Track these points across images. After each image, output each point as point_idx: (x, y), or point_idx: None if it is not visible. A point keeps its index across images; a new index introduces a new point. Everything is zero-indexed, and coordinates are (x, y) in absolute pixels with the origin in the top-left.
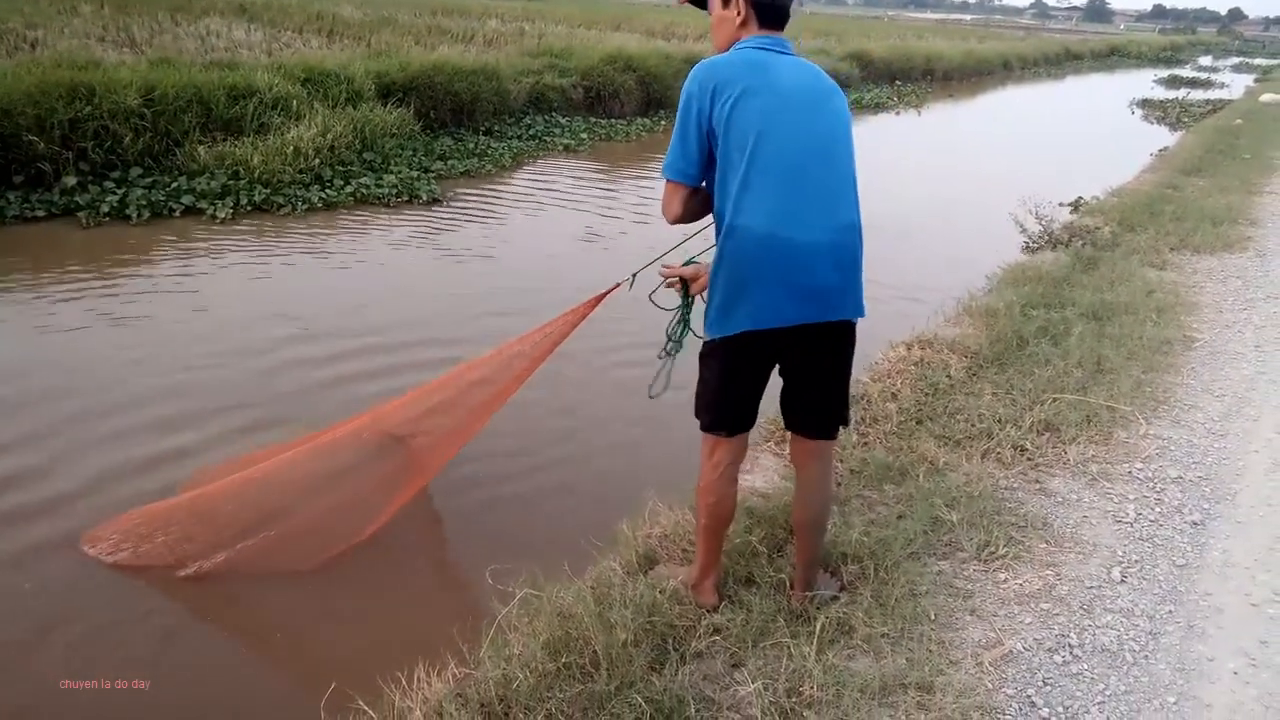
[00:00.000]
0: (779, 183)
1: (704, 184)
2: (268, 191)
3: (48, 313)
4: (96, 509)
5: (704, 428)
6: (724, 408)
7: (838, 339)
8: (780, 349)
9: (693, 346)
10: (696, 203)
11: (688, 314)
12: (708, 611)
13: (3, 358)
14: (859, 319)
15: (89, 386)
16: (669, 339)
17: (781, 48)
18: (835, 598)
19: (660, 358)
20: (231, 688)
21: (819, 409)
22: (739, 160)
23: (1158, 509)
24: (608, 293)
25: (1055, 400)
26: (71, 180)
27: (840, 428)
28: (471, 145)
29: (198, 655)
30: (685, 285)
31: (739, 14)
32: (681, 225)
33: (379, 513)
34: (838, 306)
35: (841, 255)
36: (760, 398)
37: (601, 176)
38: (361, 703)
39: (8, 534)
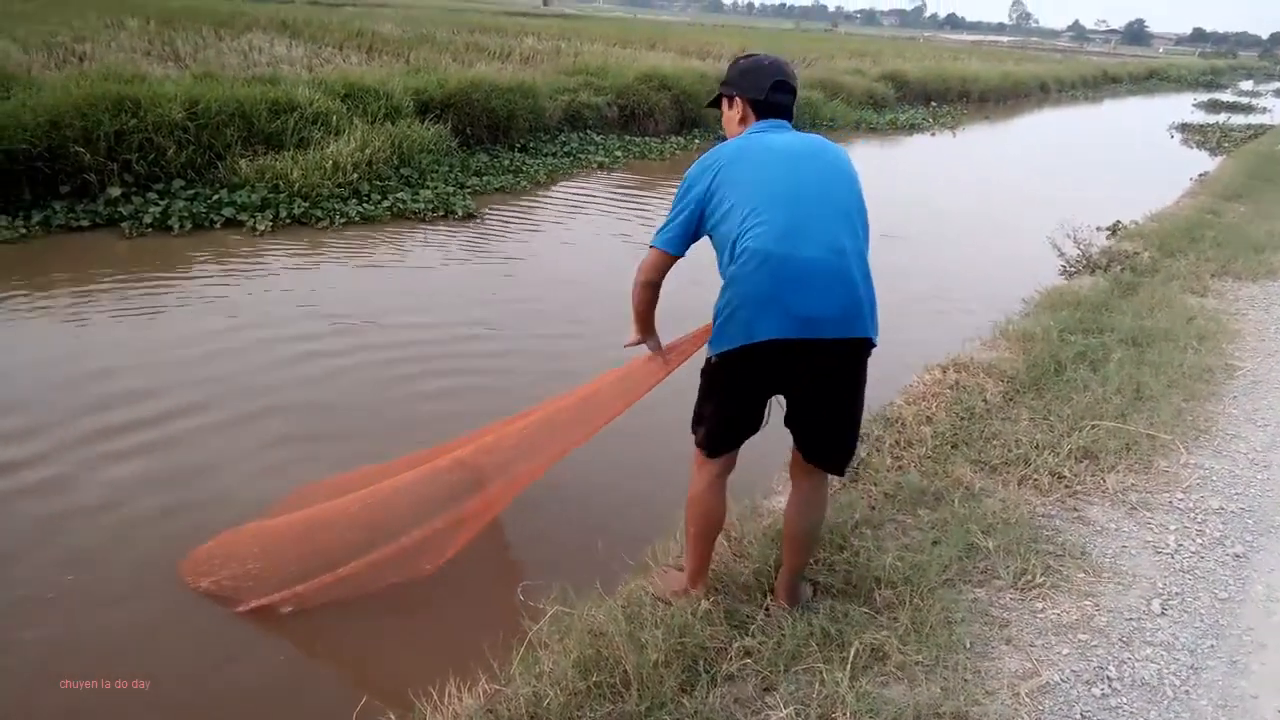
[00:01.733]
0: (783, 208)
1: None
2: (306, 205)
3: (111, 314)
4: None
5: (696, 441)
6: (711, 423)
7: (837, 361)
8: (777, 371)
9: None
10: (666, 271)
11: None
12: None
13: (61, 358)
14: (871, 348)
15: (166, 389)
16: None
17: (779, 128)
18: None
19: None
20: (266, 701)
21: (814, 434)
22: (744, 198)
23: (1199, 540)
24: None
25: (1094, 427)
26: (116, 191)
27: (838, 467)
28: (507, 162)
29: (233, 668)
30: None
31: (739, 113)
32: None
33: (447, 549)
34: (833, 325)
35: (838, 275)
36: (751, 424)
37: (636, 193)
38: (393, 716)
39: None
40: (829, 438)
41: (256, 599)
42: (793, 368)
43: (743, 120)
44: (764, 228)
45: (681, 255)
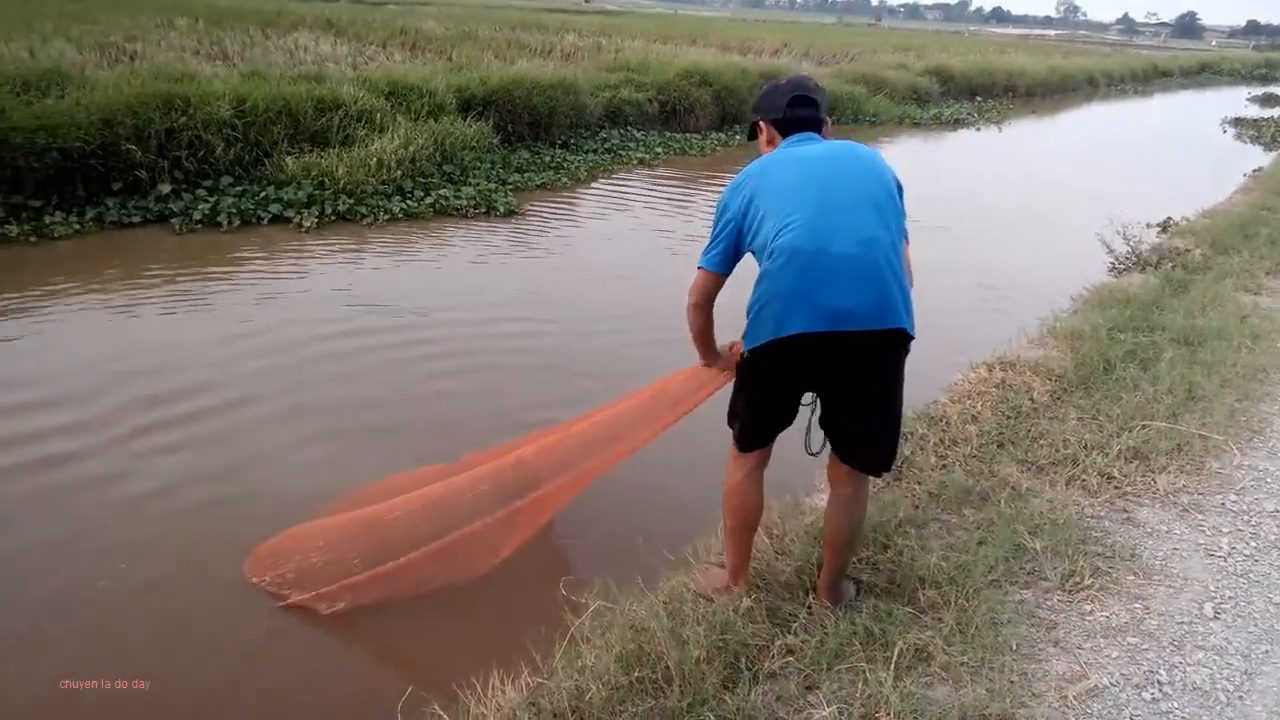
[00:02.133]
0: (813, 208)
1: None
2: (351, 201)
3: (162, 308)
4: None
5: (729, 423)
6: (744, 417)
7: (870, 353)
8: (807, 366)
9: None
10: (716, 292)
11: None
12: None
13: (120, 351)
14: (907, 340)
15: (216, 383)
16: None
17: (806, 141)
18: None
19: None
20: (312, 690)
21: (849, 432)
22: (776, 206)
23: (1253, 543)
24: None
25: (1144, 427)
26: (166, 188)
27: (876, 468)
28: (548, 158)
29: (283, 658)
30: None
31: (767, 135)
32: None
33: (503, 548)
34: (864, 318)
35: (868, 268)
36: (784, 419)
37: (677, 189)
38: (437, 707)
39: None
40: (865, 436)
41: (315, 591)
42: (823, 362)
43: (770, 142)
44: (795, 229)
45: (728, 274)
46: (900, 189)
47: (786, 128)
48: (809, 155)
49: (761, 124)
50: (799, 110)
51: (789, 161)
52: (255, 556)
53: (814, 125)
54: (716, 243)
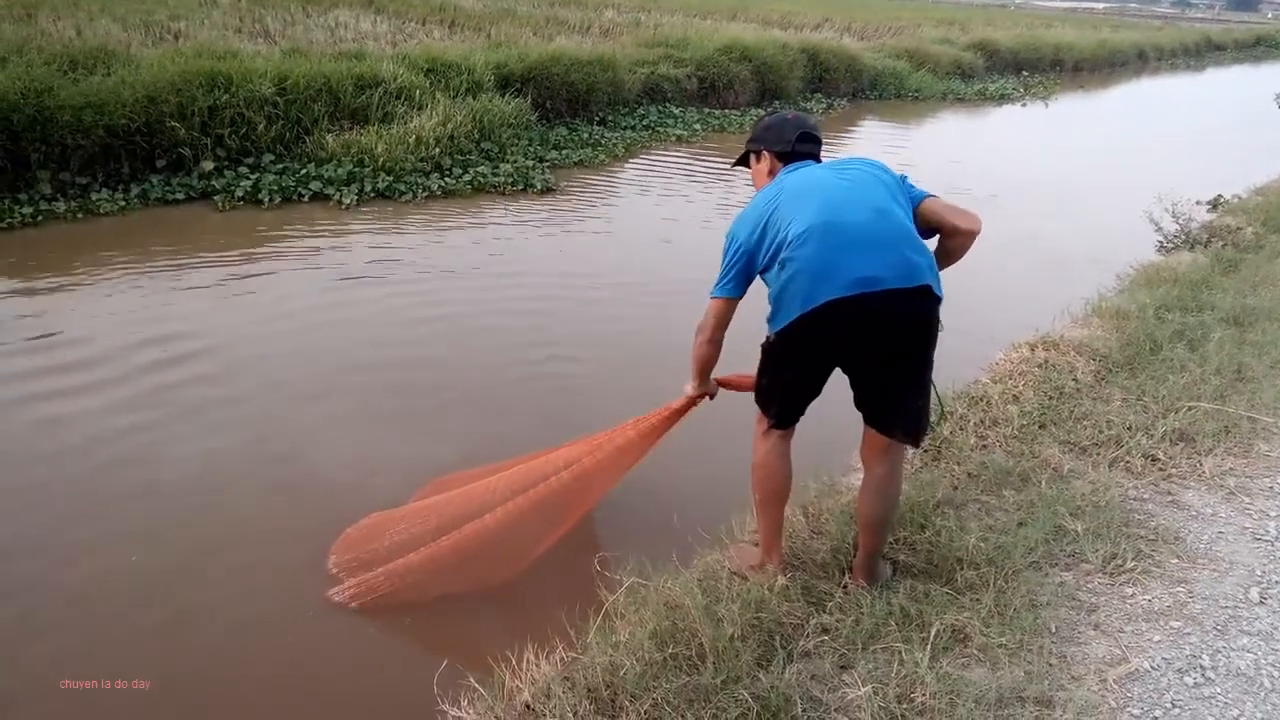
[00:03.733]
0: (822, 196)
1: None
2: (390, 179)
3: (208, 285)
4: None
5: (757, 402)
6: (771, 393)
7: (902, 311)
8: (839, 334)
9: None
10: (729, 320)
11: None
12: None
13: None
14: (936, 301)
15: (260, 362)
16: None
17: (807, 164)
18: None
19: None
20: (349, 663)
21: (883, 395)
22: (787, 212)
23: None
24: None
25: (1191, 408)
26: (209, 165)
27: (913, 436)
28: (585, 135)
29: (312, 635)
30: None
31: (768, 165)
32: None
33: (537, 550)
34: (892, 279)
35: (887, 232)
36: (810, 394)
37: (715, 166)
38: (472, 680)
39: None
40: (902, 401)
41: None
42: (855, 328)
43: (770, 172)
44: (810, 213)
45: (741, 296)
46: (904, 178)
47: (789, 159)
48: (814, 167)
49: (765, 154)
50: (806, 146)
51: (796, 176)
52: (345, 539)
53: (815, 160)
54: (728, 271)
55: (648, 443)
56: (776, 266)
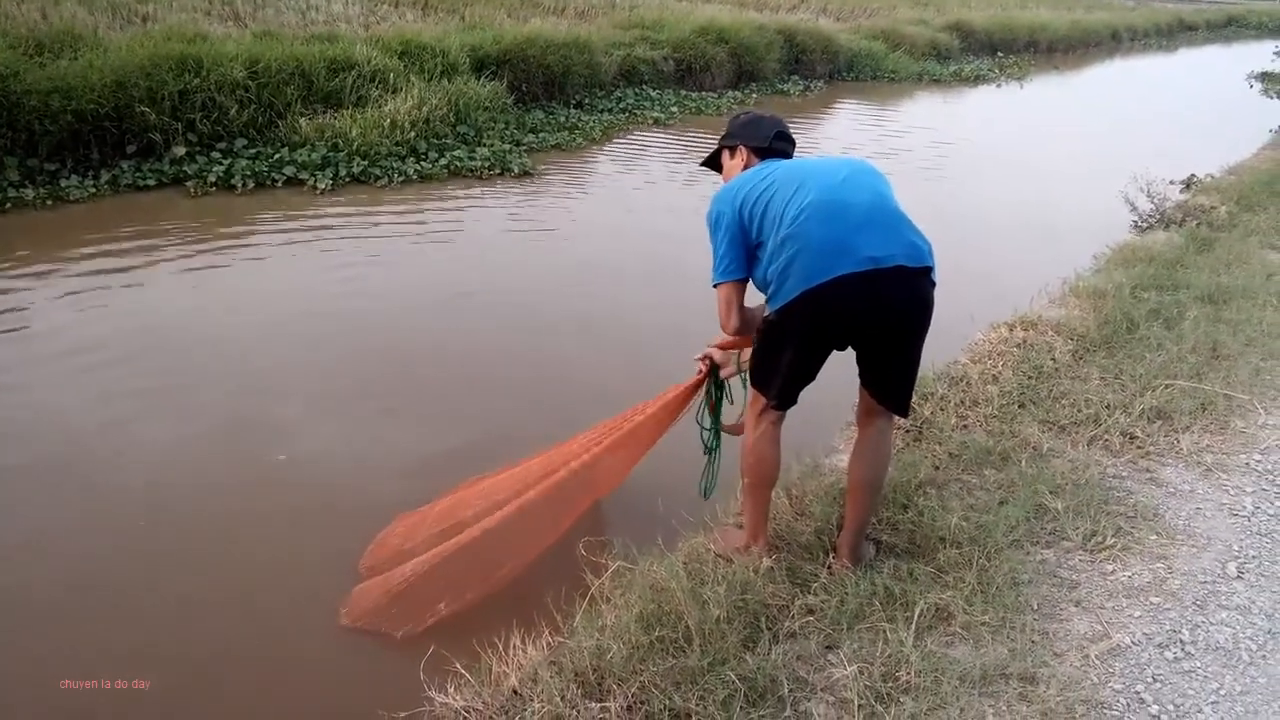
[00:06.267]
0: (821, 177)
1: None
2: (365, 163)
3: (178, 272)
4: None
5: (754, 383)
6: (784, 376)
7: (905, 289)
8: (842, 312)
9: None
10: (743, 299)
11: (719, 399)
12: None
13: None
14: (932, 283)
15: (238, 352)
16: (702, 429)
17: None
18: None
19: (705, 455)
20: (332, 648)
21: (888, 373)
22: (783, 184)
23: (1278, 503)
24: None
25: (1168, 386)
26: (181, 150)
27: (903, 407)
28: (562, 118)
29: (310, 626)
30: (715, 369)
31: (743, 160)
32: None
33: (552, 537)
34: (899, 256)
35: (890, 214)
36: (809, 376)
37: (692, 149)
38: (459, 666)
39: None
40: (903, 375)
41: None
42: (864, 301)
43: (746, 166)
44: (811, 189)
45: (747, 276)
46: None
47: (765, 156)
48: (802, 158)
49: (741, 149)
50: (781, 144)
51: (786, 163)
52: (377, 544)
53: (788, 158)
54: (722, 253)
55: (663, 425)
56: (775, 244)
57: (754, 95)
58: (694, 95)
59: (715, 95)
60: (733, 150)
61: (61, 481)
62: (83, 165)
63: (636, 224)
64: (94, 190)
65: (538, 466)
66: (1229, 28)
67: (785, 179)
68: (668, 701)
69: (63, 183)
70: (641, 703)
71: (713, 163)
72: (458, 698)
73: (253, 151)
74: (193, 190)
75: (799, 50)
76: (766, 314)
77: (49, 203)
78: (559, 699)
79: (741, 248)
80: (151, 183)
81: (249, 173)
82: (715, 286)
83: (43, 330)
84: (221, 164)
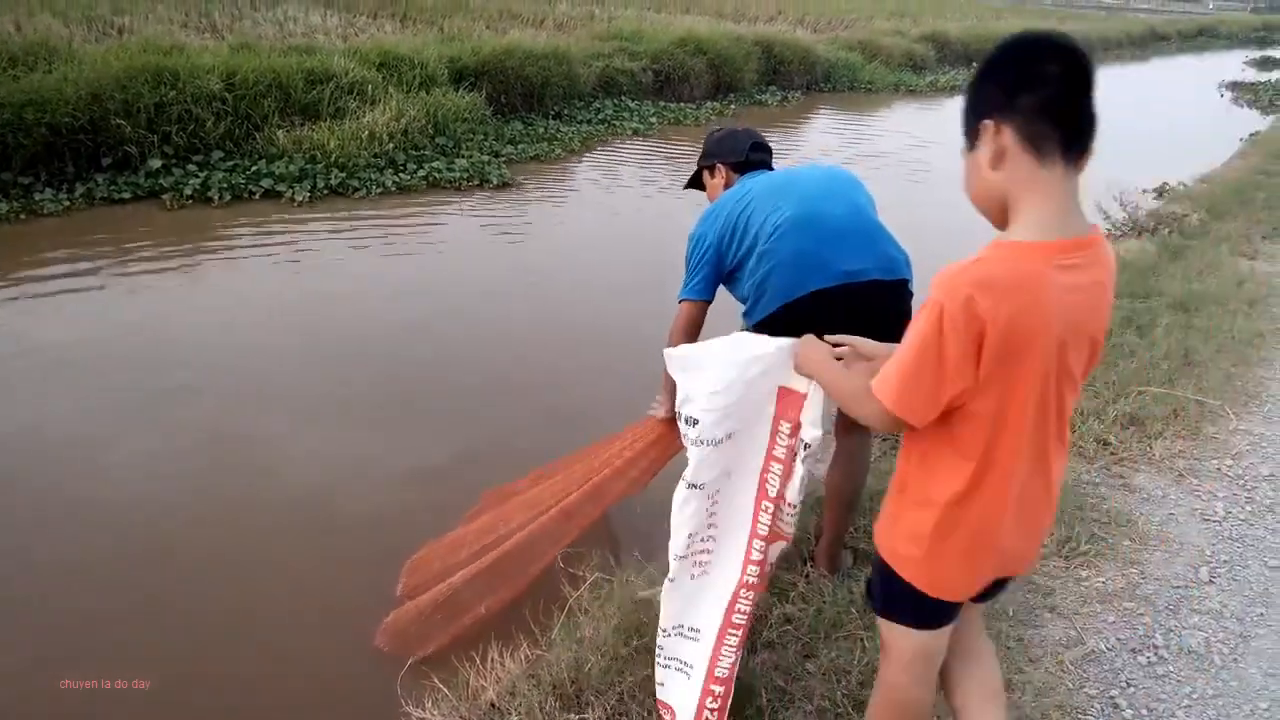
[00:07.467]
0: (798, 190)
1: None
2: (343, 175)
3: (153, 287)
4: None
5: None
6: None
7: (882, 303)
8: (819, 326)
9: None
10: (700, 325)
11: None
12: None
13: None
14: (910, 295)
15: (212, 365)
16: None
17: (763, 171)
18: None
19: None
20: (311, 666)
21: None
22: (761, 203)
23: (1249, 508)
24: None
25: (1141, 393)
26: (156, 163)
27: None
28: (541, 129)
29: (272, 634)
30: None
31: (723, 179)
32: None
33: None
34: (875, 271)
35: (867, 226)
36: None
37: (671, 160)
38: (436, 680)
39: None
40: None
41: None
42: (838, 316)
43: (727, 184)
44: (789, 205)
45: (711, 300)
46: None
47: (744, 170)
48: (780, 170)
49: (720, 167)
50: (759, 155)
51: (764, 177)
52: (411, 564)
53: (768, 169)
54: (696, 271)
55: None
56: (755, 259)
57: (732, 106)
58: (673, 106)
59: (694, 106)
60: (712, 169)
61: (35, 500)
62: (57, 178)
63: (616, 233)
64: (68, 203)
65: (567, 477)
66: (1200, 38)
67: (763, 194)
68: (646, 713)
69: (36, 196)
70: (620, 714)
71: (695, 183)
72: (435, 713)
73: (230, 164)
74: (169, 203)
75: (777, 61)
76: (743, 327)
77: (22, 216)
78: (537, 712)
79: (714, 272)
80: (127, 196)
81: (226, 185)
82: (680, 301)
83: (11, 351)
84: (198, 176)
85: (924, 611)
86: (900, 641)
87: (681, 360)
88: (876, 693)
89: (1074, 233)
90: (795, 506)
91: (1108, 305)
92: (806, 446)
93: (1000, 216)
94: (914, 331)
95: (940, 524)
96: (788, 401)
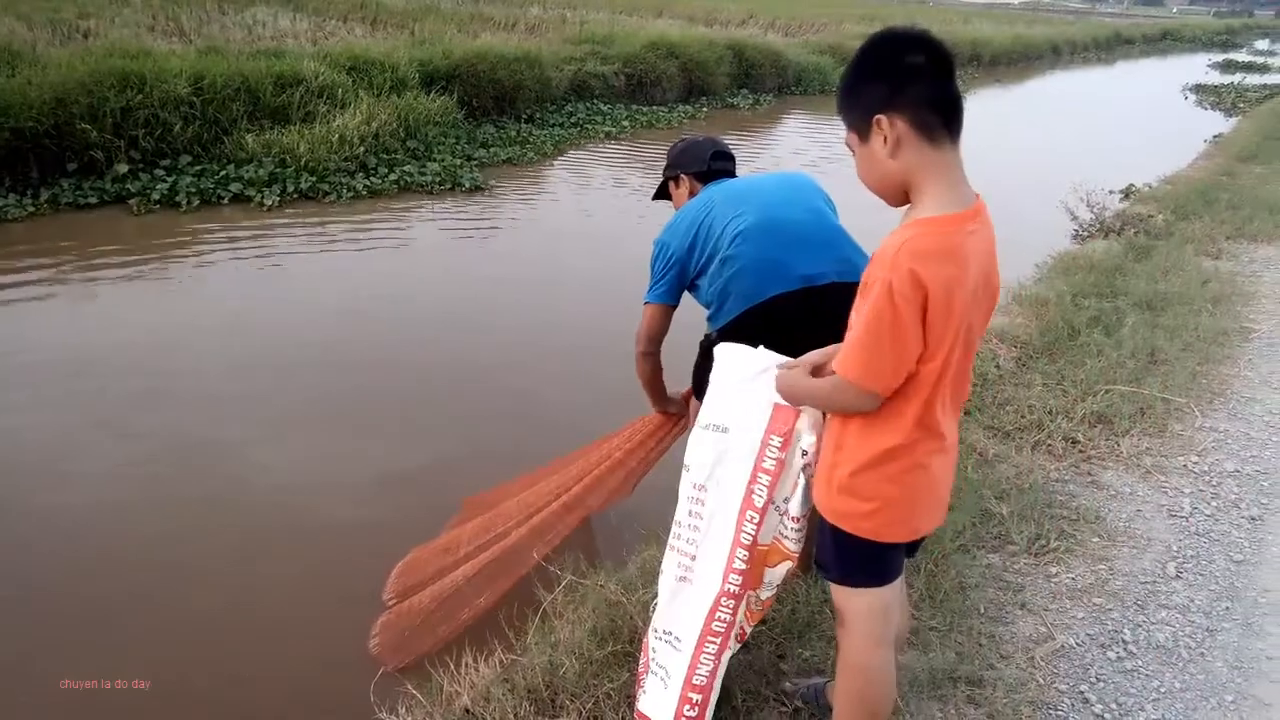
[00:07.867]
0: (759, 197)
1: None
2: (314, 179)
3: (120, 292)
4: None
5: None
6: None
7: (843, 306)
8: (786, 331)
9: None
10: (665, 330)
11: None
12: None
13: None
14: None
15: (183, 370)
16: None
17: (725, 180)
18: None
19: None
20: (284, 672)
21: None
22: (723, 212)
23: (1214, 504)
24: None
25: (1108, 391)
26: (123, 168)
27: None
28: (513, 133)
29: (243, 643)
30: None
31: (687, 188)
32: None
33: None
34: (834, 275)
35: (826, 230)
36: None
37: (642, 162)
38: (410, 686)
39: None
40: None
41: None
42: (799, 320)
43: (691, 193)
44: (749, 212)
45: (676, 304)
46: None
47: (707, 179)
48: (741, 177)
49: (683, 178)
50: (721, 163)
51: (725, 185)
52: (399, 569)
53: (731, 177)
54: (660, 277)
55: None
56: (716, 265)
57: (704, 109)
58: (645, 109)
59: (666, 109)
60: (676, 180)
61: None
62: (21, 184)
63: (589, 235)
64: (33, 209)
65: (564, 475)
66: (1164, 41)
67: (724, 202)
68: (620, 718)
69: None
70: (595, 718)
71: (663, 194)
72: (409, 718)
73: (198, 168)
74: (136, 208)
75: (748, 65)
76: (708, 332)
77: None
78: (511, 717)
79: (678, 278)
80: (93, 201)
81: (194, 190)
82: (645, 304)
83: None
84: (165, 181)
85: (879, 565)
86: (856, 603)
87: (731, 354)
88: (841, 673)
89: (969, 203)
90: (799, 520)
91: (997, 264)
92: (804, 454)
93: (899, 198)
94: (867, 308)
95: (885, 470)
96: (780, 417)
